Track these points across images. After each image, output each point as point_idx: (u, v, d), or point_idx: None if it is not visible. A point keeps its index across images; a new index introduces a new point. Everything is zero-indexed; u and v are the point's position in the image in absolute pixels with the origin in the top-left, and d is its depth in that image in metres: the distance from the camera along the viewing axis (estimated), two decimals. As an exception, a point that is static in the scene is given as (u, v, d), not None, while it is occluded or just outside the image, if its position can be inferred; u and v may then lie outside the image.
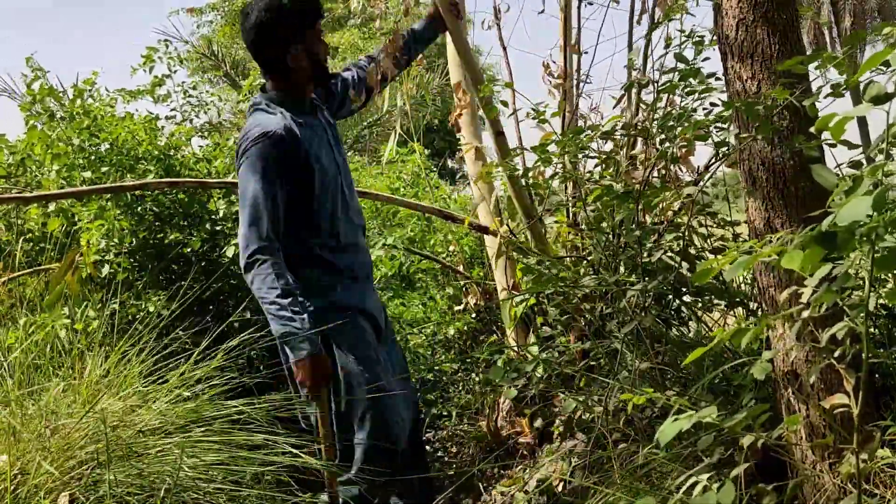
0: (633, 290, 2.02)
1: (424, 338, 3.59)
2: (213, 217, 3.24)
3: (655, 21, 2.38)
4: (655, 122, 2.13)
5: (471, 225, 2.86)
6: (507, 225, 2.71)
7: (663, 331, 1.99)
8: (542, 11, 2.92)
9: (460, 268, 3.52)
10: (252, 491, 1.79)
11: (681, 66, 1.85)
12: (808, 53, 1.51)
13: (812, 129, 1.37)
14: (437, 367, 3.42)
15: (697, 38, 1.86)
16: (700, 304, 2.11)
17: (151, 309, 2.76)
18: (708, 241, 2.15)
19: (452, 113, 2.95)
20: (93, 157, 3.16)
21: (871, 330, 1.73)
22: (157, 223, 3.13)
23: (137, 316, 2.75)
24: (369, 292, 2.10)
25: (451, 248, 3.74)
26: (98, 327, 2.63)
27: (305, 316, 1.82)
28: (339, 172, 2.04)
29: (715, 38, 1.67)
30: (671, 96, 2.31)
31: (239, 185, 1.90)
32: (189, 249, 3.03)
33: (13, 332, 2.35)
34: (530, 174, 2.51)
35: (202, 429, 1.93)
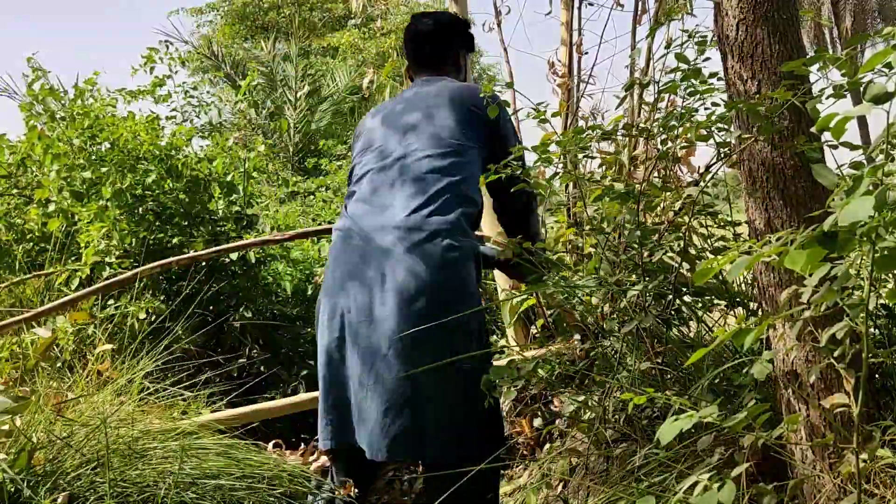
0: (634, 290, 2.02)
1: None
2: (214, 218, 3.24)
3: (657, 21, 2.38)
4: (657, 123, 2.13)
5: None
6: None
7: (663, 331, 1.99)
8: (549, 13, 2.93)
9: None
10: (256, 486, 1.79)
11: (682, 66, 1.85)
12: (808, 53, 1.51)
13: (813, 129, 1.37)
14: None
15: (700, 39, 1.86)
16: (700, 304, 2.11)
17: (150, 310, 2.77)
18: (708, 241, 2.15)
19: None
20: (93, 157, 3.16)
21: (871, 330, 1.73)
22: (157, 223, 3.13)
23: (138, 316, 2.75)
24: None
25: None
26: (98, 328, 2.64)
27: None
28: None
29: (715, 38, 1.67)
30: (672, 96, 2.31)
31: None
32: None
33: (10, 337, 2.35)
34: (530, 174, 2.51)
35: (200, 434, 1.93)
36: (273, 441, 2.11)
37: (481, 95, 1.97)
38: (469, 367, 1.79)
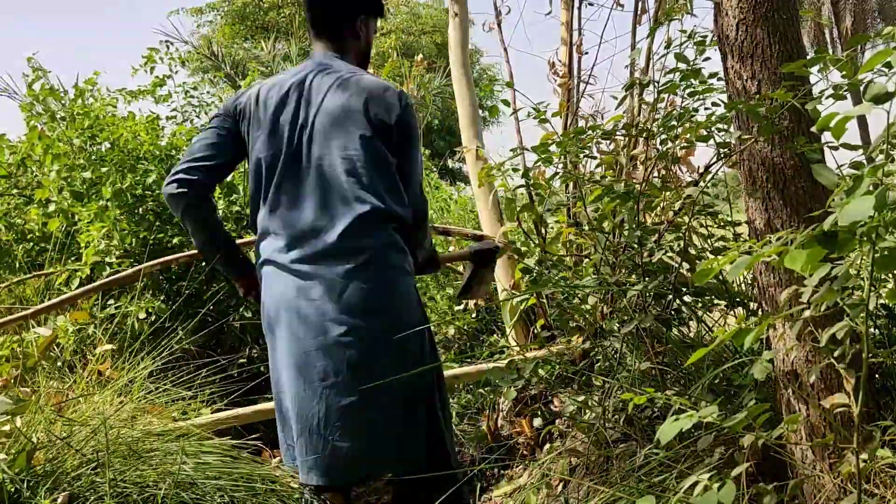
0: (634, 290, 2.02)
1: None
2: (214, 217, 3.23)
3: (657, 21, 2.38)
4: (656, 123, 2.13)
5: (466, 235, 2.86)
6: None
7: (663, 331, 1.99)
8: (550, 13, 2.93)
9: (460, 268, 3.52)
10: (254, 486, 1.79)
11: (682, 66, 1.85)
12: (808, 53, 1.51)
13: (813, 129, 1.37)
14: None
15: (699, 39, 1.86)
16: (700, 304, 2.11)
17: (150, 310, 2.76)
18: (708, 241, 2.15)
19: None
20: (93, 157, 3.16)
21: (871, 330, 1.73)
22: (157, 223, 3.13)
23: (138, 316, 2.75)
24: None
25: (452, 248, 3.75)
26: (98, 328, 2.64)
27: None
28: None
29: (715, 38, 1.67)
30: (672, 96, 2.31)
31: (414, 147, 1.84)
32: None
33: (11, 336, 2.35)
34: (531, 174, 2.51)
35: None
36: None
37: (393, 96, 1.80)
38: (415, 384, 1.72)
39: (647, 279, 2.02)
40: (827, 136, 1.13)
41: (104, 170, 3.10)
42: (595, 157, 2.35)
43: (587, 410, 1.98)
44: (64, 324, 2.51)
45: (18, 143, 3.44)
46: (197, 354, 2.68)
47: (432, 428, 1.80)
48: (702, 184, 2.03)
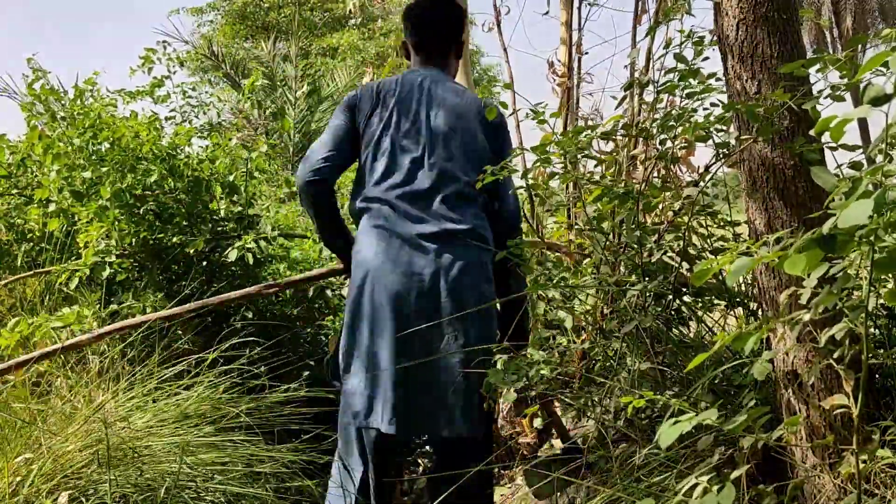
0: (634, 290, 2.02)
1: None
2: (216, 217, 3.23)
3: (656, 21, 2.38)
4: (656, 123, 2.13)
5: None
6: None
7: (663, 331, 1.99)
8: (547, 13, 2.93)
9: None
10: (250, 490, 1.80)
11: (680, 66, 1.84)
12: (808, 53, 1.51)
13: (812, 132, 1.38)
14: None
15: (698, 38, 1.85)
16: (700, 304, 2.11)
17: (150, 309, 2.76)
18: (708, 241, 2.14)
19: None
20: (93, 157, 3.16)
21: (871, 330, 1.73)
22: (157, 223, 3.13)
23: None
24: None
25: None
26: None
27: None
28: None
29: (715, 37, 1.67)
30: (671, 96, 2.30)
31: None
32: (192, 250, 3.02)
33: (15, 331, 2.35)
34: (530, 175, 2.50)
35: (200, 428, 1.93)
36: None
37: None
38: None
39: (647, 279, 2.01)
40: (826, 137, 1.13)
41: (104, 169, 3.10)
42: (594, 157, 2.34)
43: (587, 411, 1.98)
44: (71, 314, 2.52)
45: (18, 142, 3.43)
46: (197, 354, 2.67)
47: None
48: (702, 184, 2.03)
